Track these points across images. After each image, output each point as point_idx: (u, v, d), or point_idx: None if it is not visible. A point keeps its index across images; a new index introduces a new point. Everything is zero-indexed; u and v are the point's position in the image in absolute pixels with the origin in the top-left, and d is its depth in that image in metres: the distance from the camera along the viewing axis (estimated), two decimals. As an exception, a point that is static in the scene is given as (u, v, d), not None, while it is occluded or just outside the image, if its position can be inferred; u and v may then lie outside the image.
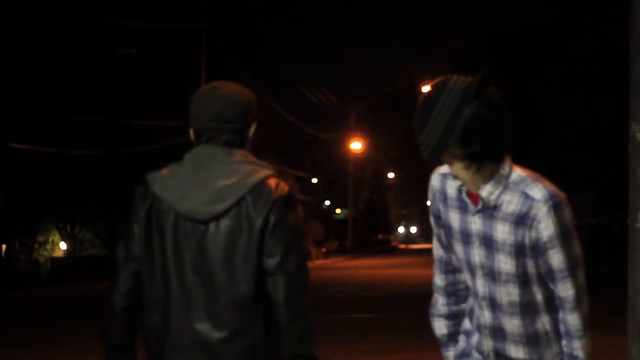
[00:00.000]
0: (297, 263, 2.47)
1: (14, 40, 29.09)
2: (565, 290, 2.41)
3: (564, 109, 23.02)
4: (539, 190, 2.41)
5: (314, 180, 59.90)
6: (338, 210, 73.78)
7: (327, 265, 46.53)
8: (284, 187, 2.53)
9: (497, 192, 2.43)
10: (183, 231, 2.47)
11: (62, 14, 30.31)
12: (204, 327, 2.45)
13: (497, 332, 2.52)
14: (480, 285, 2.51)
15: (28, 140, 28.37)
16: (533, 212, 2.39)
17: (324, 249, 55.89)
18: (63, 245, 37.79)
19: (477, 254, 2.50)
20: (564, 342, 2.44)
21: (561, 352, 2.44)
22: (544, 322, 2.45)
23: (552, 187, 2.42)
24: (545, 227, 2.37)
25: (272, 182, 2.51)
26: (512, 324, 2.48)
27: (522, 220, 2.40)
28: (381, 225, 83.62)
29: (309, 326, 2.45)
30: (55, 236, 37.49)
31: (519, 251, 2.42)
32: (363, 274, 34.00)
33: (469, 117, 2.33)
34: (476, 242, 2.49)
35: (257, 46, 39.37)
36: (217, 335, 2.44)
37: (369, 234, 71.47)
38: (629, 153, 3.69)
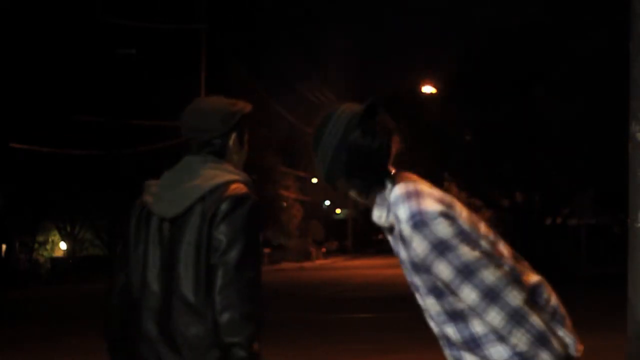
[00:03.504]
0: (238, 257, 2.57)
1: (14, 40, 29.10)
2: (466, 297, 2.35)
3: (564, 109, 23.02)
4: (403, 212, 2.42)
5: (314, 180, 59.91)
6: (338, 210, 73.82)
7: (327, 265, 46.54)
8: (242, 188, 2.66)
9: (383, 214, 2.50)
10: (160, 231, 2.70)
11: (62, 14, 30.32)
12: (165, 318, 2.64)
13: (448, 341, 2.51)
14: (418, 298, 2.56)
15: (28, 140, 28.37)
16: (403, 233, 2.42)
17: (324, 249, 55.92)
18: (63, 245, 37.81)
19: (404, 271, 2.57)
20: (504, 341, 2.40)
21: (512, 349, 2.38)
22: (477, 323, 2.41)
23: (418, 205, 2.40)
24: (417, 246, 2.39)
25: (234, 185, 2.66)
26: (450, 331, 2.47)
27: (403, 240, 2.44)
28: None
29: (240, 318, 2.54)
30: (55, 236, 37.51)
31: (416, 268, 2.45)
32: (363, 274, 33.99)
33: (352, 146, 2.43)
34: (399, 260, 2.57)
35: (257, 46, 39.37)
36: (177, 325, 2.62)
37: (369, 234, 71.48)
38: (629, 153, 3.69)
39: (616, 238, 33.25)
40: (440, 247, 2.36)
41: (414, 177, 2.56)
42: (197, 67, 32.01)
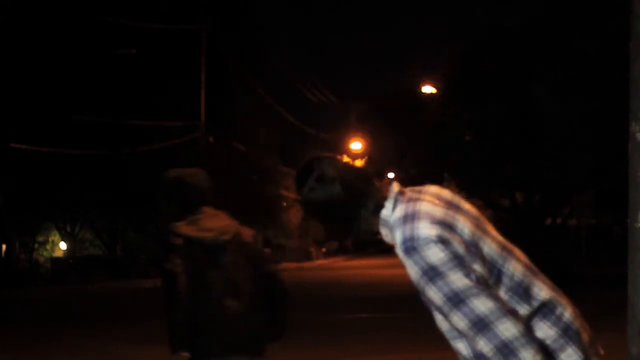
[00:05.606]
0: (273, 266, 4.30)
1: (14, 40, 29.10)
2: (456, 323, 2.37)
3: (564, 109, 23.00)
4: (397, 236, 2.46)
5: (314, 180, 59.71)
6: (338, 210, 73.71)
7: (327, 265, 46.56)
8: (251, 228, 4.28)
9: (388, 233, 2.55)
10: (206, 253, 4.00)
11: (61, 14, 30.31)
12: (226, 307, 3.97)
13: (460, 355, 2.51)
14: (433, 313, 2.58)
15: (28, 140, 28.37)
16: (399, 256, 2.46)
17: (324, 249, 55.92)
18: (63, 245, 37.82)
19: None
20: None
21: None
22: (482, 343, 2.40)
23: (411, 230, 2.43)
24: (410, 270, 2.42)
25: (243, 225, 4.23)
26: (460, 346, 2.49)
27: (401, 261, 2.47)
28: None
29: (285, 305, 4.24)
30: (55, 236, 37.51)
31: (420, 288, 2.46)
32: (363, 274, 34.00)
33: (311, 203, 2.62)
34: None
35: (257, 46, 39.33)
36: (236, 309, 3.98)
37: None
38: (629, 153, 3.69)
39: (616, 238, 33.27)
40: (431, 274, 2.37)
41: (417, 192, 2.58)
42: (198, 67, 31.99)
